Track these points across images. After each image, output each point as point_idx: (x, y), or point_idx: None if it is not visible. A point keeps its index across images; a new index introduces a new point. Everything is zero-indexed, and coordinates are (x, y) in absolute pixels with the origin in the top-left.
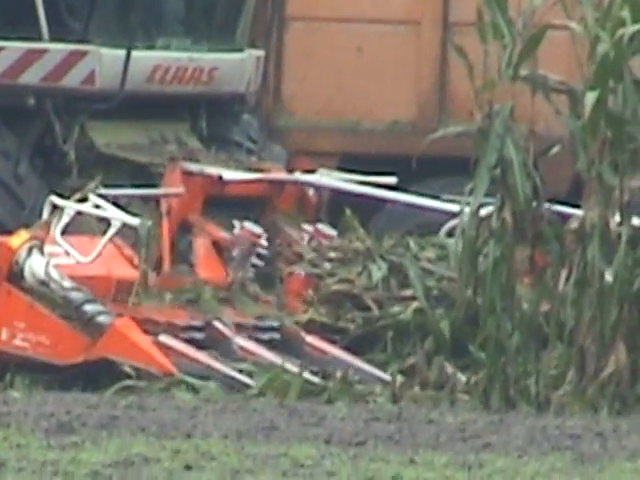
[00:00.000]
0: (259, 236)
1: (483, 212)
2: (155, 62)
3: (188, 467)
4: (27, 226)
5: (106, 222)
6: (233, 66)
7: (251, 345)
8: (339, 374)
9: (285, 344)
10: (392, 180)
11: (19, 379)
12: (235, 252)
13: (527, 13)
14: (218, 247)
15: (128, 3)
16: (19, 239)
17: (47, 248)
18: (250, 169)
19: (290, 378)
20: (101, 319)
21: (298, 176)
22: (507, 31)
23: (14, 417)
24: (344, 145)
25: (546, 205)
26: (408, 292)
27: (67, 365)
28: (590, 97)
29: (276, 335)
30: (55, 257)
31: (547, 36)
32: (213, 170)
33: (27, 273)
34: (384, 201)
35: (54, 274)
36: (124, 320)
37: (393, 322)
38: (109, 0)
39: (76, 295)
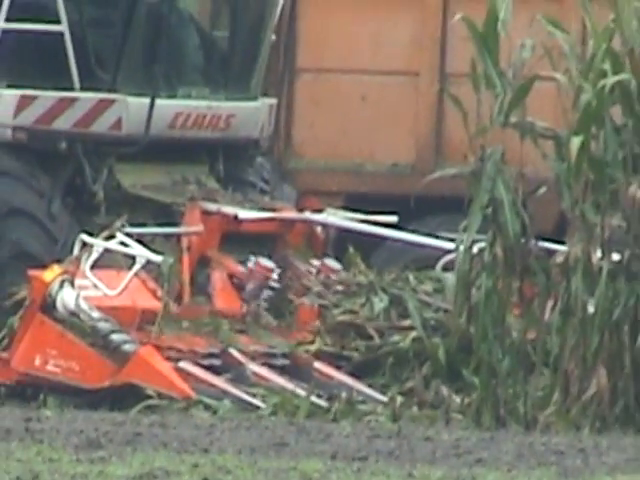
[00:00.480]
0: (271, 270)
1: (476, 248)
2: (176, 110)
3: None
4: (59, 261)
5: (132, 257)
6: (248, 113)
7: (264, 371)
8: (344, 396)
9: (295, 370)
10: (393, 219)
11: (51, 399)
12: (249, 285)
13: (517, 65)
14: (234, 280)
15: (152, 55)
16: (52, 273)
17: (77, 282)
18: (263, 208)
19: (299, 400)
20: (126, 347)
21: (307, 215)
22: (498, 81)
23: (47, 434)
24: (348, 185)
25: (534, 241)
26: (407, 322)
27: (94, 389)
28: (574, 142)
29: (287, 362)
30: (85, 290)
31: (535, 86)
32: (230, 209)
33: (59, 304)
34: (384, 238)
35: (84, 305)
36: (147, 348)
37: (393, 349)
38: (135, 52)
39: (104, 325)
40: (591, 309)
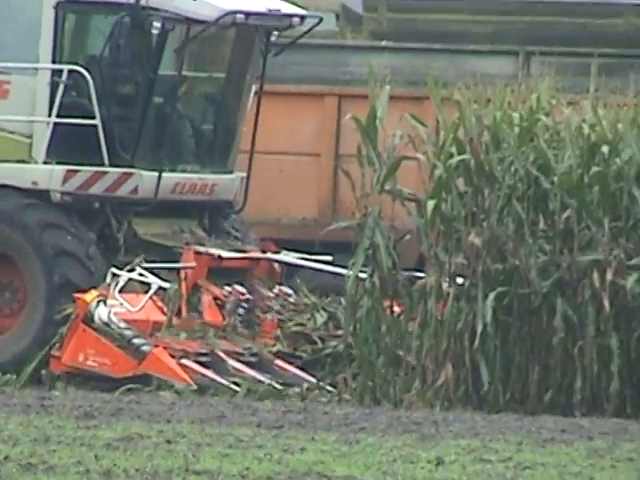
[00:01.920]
0: (244, 294)
1: (363, 275)
2: (176, 180)
3: (168, 442)
4: (95, 287)
5: (147, 285)
6: (226, 183)
7: (239, 365)
8: (267, 382)
9: (261, 365)
10: (329, 258)
11: (59, 383)
12: (228, 304)
13: (390, 149)
14: (217, 301)
15: (159, 142)
16: (91, 295)
17: (109, 301)
18: (237, 250)
19: (263, 386)
20: (144, 348)
21: (269, 255)
22: (376, 160)
23: (55, 408)
24: (272, 233)
25: (401, 273)
26: (340, 332)
27: (121, 378)
28: (430, 204)
29: (255, 359)
30: (114, 307)
31: (403, 164)
32: (214, 251)
33: (96, 318)
34: (321, 270)
35: (114, 318)
36: (159, 349)
37: (332, 352)
38: (147, 140)
39: (128, 332)
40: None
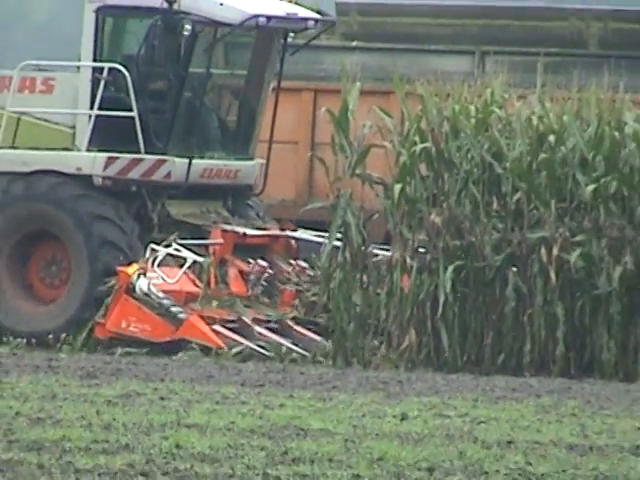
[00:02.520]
0: (265, 267)
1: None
2: (205, 166)
3: (162, 398)
4: (135, 261)
5: (183, 259)
6: (247, 169)
7: (264, 331)
8: (244, 345)
9: (282, 331)
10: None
11: (65, 346)
12: (252, 277)
13: (360, 138)
14: (242, 274)
15: (189, 132)
16: (132, 268)
17: (148, 274)
18: (258, 228)
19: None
20: (181, 315)
21: (287, 232)
22: (348, 148)
23: (62, 369)
24: None
25: (370, 248)
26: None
27: (160, 342)
28: (396, 187)
29: (277, 325)
30: (153, 279)
31: (371, 151)
32: (239, 229)
33: (137, 289)
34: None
35: (153, 289)
36: (194, 316)
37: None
38: (178, 130)
39: (166, 301)
40: (406, 291)
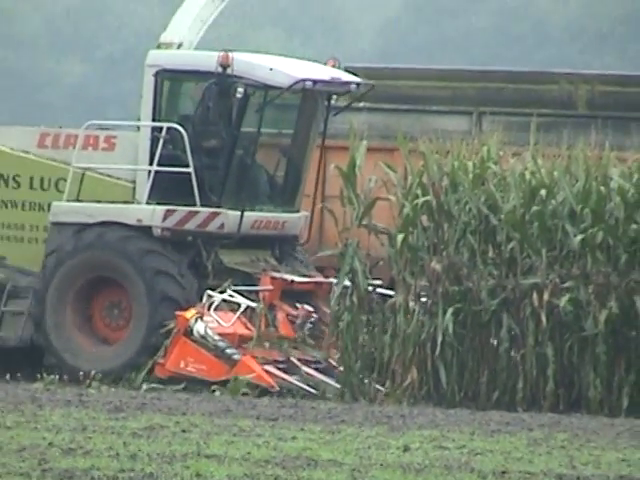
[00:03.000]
0: (310, 312)
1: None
2: (255, 218)
3: (183, 430)
4: (189, 301)
5: (237, 304)
6: (294, 220)
7: (310, 371)
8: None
9: (327, 370)
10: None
11: (94, 383)
12: (298, 320)
13: (366, 191)
14: (289, 317)
15: (241, 187)
16: (190, 313)
17: (205, 318)
18: (304, 275)
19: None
20: (235, 356)
21: (330, 279)
22: (355, 200)
23: (91, 403)
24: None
25: (375, 292)
26: None
27: (216, 381)
28: (399, 237)
29: (322, 365)
30: (209, 323)
31: (377, 203)
32: (287, 276)
33: (195, 331)
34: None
35: (209, 332)
36: (247, 357)
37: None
38: (232, 186)
39: (221, 343)
40: (409, 332)
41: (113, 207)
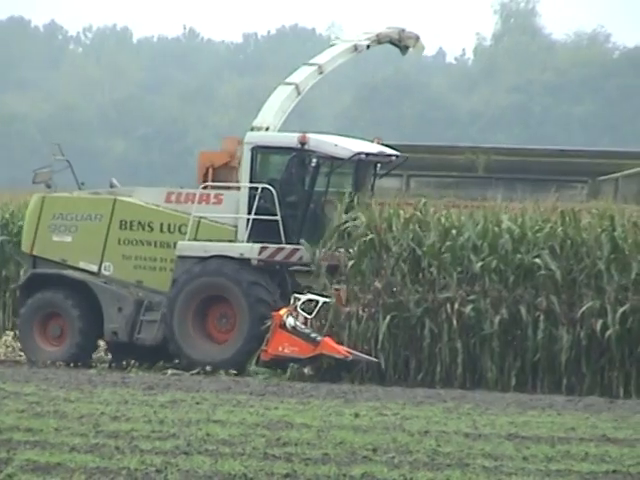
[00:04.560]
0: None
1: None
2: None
3: (197, 403)
4: (284, 307)
5: (315, 302)
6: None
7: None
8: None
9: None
10: None
11: (134, 369)
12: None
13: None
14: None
15: (313, 230)
16: (283, 311)
17: (294, 313)
18: None
19: None
20: (318, 339)
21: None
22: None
23: (131, 383)
24: None
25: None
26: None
27: (305, 359)
28: (350, 263)
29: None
30: (297, 317)
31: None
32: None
33: (287, 324)
34: None
35: (298, 323)
36: (327, 338)
37: None
38: (307, 229)
39: (307, 330)
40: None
41: (222, 245)
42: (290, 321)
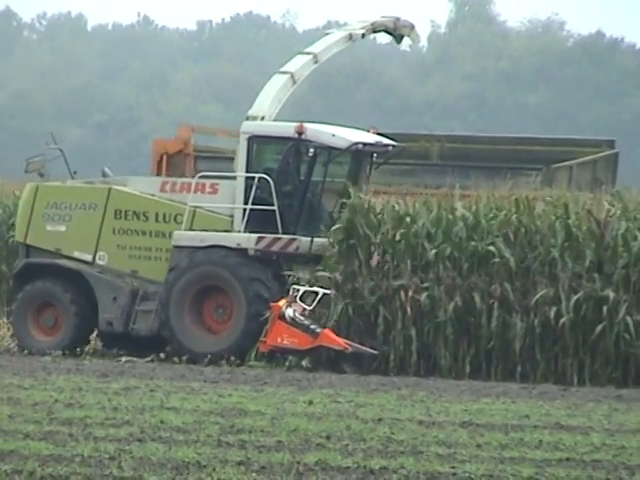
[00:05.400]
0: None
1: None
2: (320, 243)
3: (151, 390)
4: (282, 298)
5: (315, 293)
6: None
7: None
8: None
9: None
10: None
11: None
12: None
13: None
14: None
15: (310, 221)
16: (282, 301)
17: (293, 305)
18: None
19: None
20: (317, 330)
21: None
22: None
23: (85, 370)
24: None
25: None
26: None
27: (303, 350)
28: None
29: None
30: (297, 307)
31: None
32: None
33: (286, 315)
34: None
35: (297, 314)
36: (327, 330)
37: None
38: (303, 219)
39: (306, 321)
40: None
41: (218, 234)
42: (289, 312)
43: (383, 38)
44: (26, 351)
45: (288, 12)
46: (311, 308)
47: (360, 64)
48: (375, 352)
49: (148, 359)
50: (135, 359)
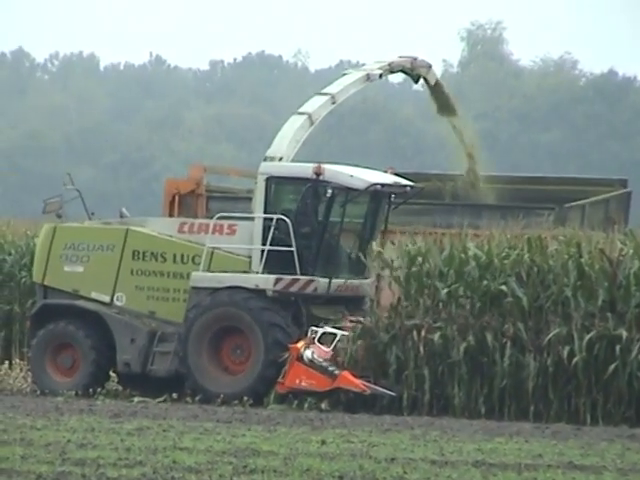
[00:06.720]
0: None
1: None
2: (337, 283)
3: (164, 430)
4: (301, 339)
5: (334, 335)
6: (365, 285)
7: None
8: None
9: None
10: None
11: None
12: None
13: None
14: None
15: (328, 261)
16: (301, 343)
17: (311, 346)
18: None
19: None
20: (336, 372)
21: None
22: None
23: (98, 411)
24: None
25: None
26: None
27: (321, 392)
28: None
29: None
30: (315, 349)
31: None
32: (362, 319)
33: (304, 357)
34: None
35: (315, 356)
36: (345, 372)
37: None
38: (322, 260)
39: (325, 363)
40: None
41: (236, 276)
42: (308, 354)
43: (396, 77)
44: (39, 391)
45: (300, 52)
46: (330, 349)
47: (373, 103)
48: (393, 393)
49: (161, 399)
50: (148, 399)
